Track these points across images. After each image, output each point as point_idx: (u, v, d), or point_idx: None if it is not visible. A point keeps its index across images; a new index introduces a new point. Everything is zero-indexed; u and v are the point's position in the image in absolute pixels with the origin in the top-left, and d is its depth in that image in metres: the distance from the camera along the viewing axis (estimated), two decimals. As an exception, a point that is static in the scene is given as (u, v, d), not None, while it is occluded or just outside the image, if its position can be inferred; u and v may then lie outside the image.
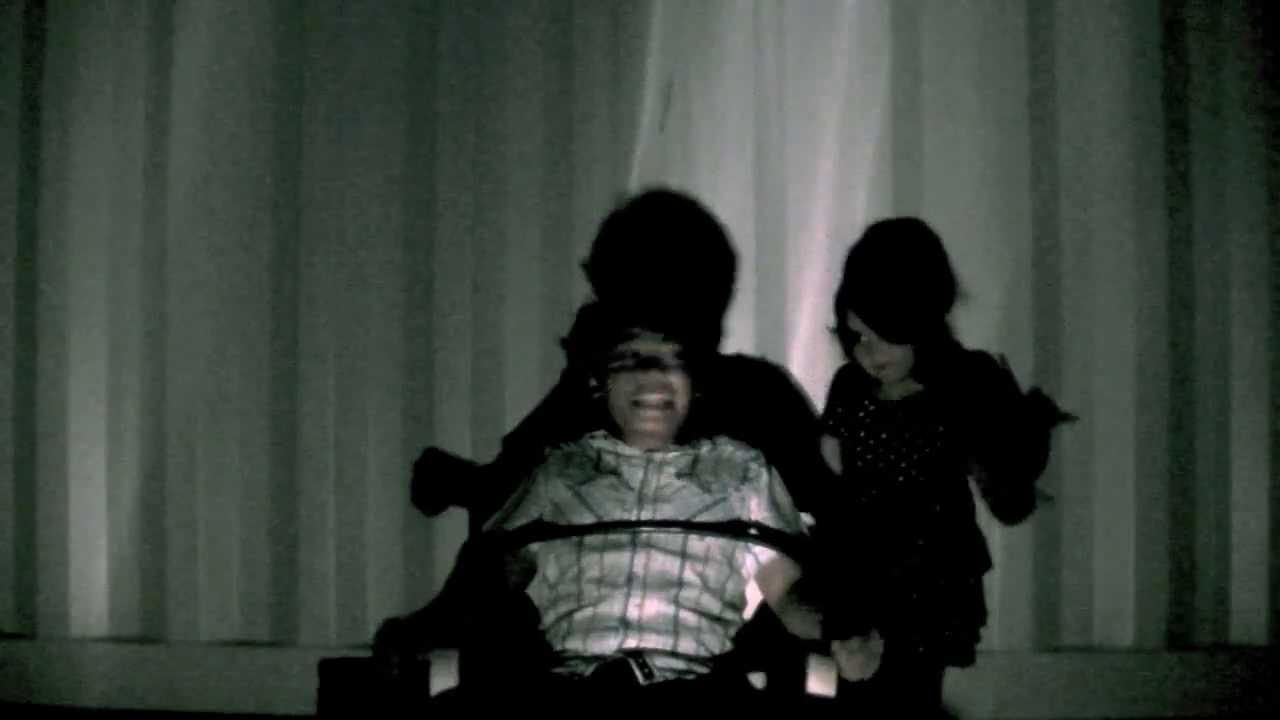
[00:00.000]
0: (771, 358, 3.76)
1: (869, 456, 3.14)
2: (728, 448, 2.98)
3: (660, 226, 3.72)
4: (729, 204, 3.81)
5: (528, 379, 3.83)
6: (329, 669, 2.76)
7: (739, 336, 3.78)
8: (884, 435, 3.13)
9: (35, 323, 3.98)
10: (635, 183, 3.85)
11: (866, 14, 3.85)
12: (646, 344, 2.90)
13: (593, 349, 2.98)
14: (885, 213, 3.75)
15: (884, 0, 3.85)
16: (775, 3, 3.85)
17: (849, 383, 3.21)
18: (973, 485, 3.17)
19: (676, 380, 2.91)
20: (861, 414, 3.16)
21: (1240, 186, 3.86)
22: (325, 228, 3.92)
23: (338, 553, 3.91)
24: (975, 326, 3.57)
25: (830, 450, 3.24)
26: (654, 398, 2.90)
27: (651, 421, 2.91)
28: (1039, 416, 3.10)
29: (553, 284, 3.85)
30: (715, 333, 3.67)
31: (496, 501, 3.00)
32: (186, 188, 3.95)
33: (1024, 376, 3.65)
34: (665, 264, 3.51)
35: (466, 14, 3.90)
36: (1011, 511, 3.17)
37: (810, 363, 3.76)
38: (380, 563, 3.89)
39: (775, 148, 3.85)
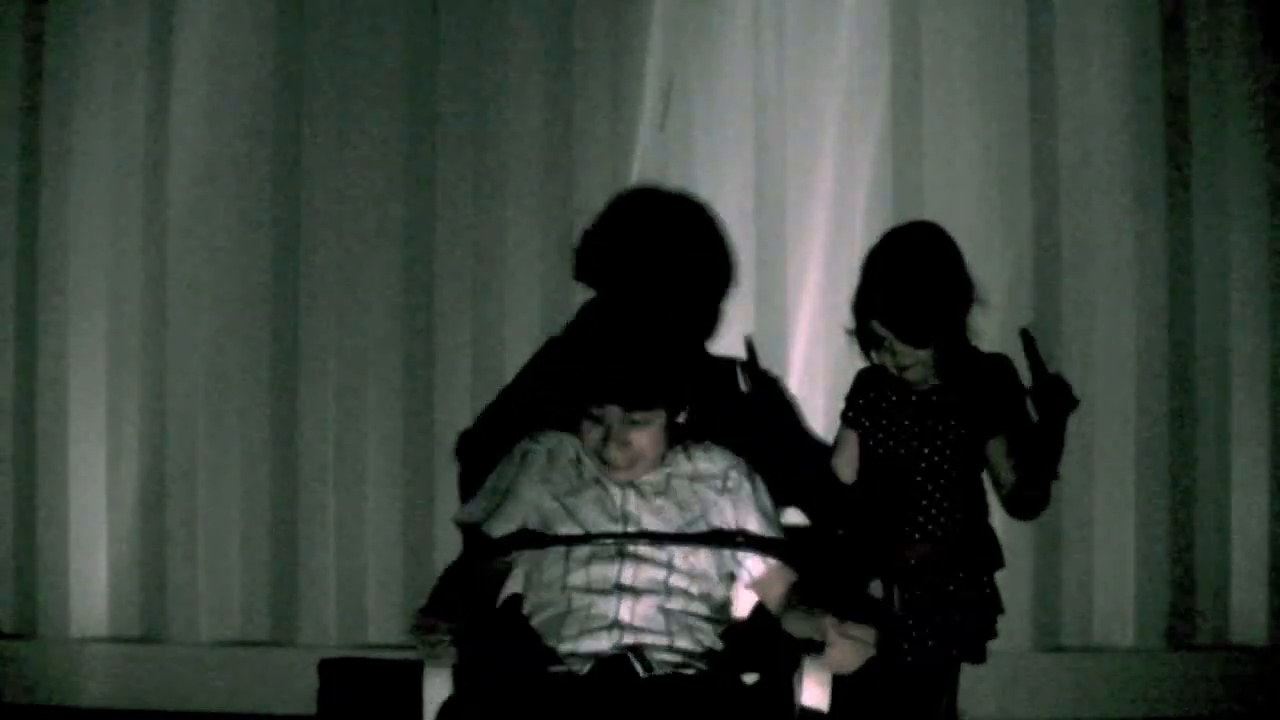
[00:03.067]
0: (771, 358, 3.76)
1: (890, 443, 3.15)
2: (702, 462, 2.91)
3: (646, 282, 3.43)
4: (729, 204, 3.80)
5: (528, 379, 3.84)
6: (329, 669, 2.75)
7: (739, 337, 3.77)
8: (906, 423, 3.15)
9: (35, 323, 3.97)
10: (635, 182, 3.85)
11: (866, 13, 3.85)
12: (614, 418, 2.75)
13: (564, 386, 2.85)
14: (885, 213, 3.76)
15: (884, 0, 3.85)
16: (775, 3, 3.85)
17: (872, 382, 3.22)
18: (987, 483, 3.18)
19: (645, 440, 2.77)
20: (884, 405, 3.18)
21: (1240, 186, 3.86)
22: (325, 228, 3.92)
23: (338, 553, 3.90)
24: (975, 326, 3.57)
25: (848, 443, 3.24)
26: (618, 458, 2.83)
27: (615, 473, 2.83)
28: (1059, 399, 3.12)
29: (553, 284, 3.85)
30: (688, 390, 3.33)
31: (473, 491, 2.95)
32: (186, 188, 3.95)
33: (1023, 377, 3.65)
34: (644, 336, 2.94)
35: (466, 14, 3.90)
36: (1027, 504, 3.18)
37: (810, 363, 3.76)
38: (380, 563, 3.89)
39: (775, 148, 3.85)
